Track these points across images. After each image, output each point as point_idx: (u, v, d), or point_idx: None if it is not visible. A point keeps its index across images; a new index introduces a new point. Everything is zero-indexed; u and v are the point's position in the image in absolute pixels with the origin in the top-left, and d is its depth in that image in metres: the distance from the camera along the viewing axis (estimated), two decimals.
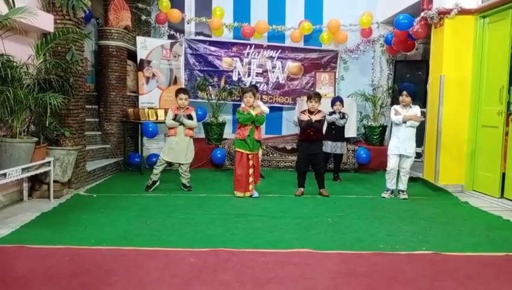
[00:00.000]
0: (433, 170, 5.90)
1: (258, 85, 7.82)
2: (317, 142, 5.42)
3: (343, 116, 6.27)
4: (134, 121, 7.05)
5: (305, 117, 5.32)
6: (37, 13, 4.46)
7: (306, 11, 8.49)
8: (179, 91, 5.67)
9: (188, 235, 3.69)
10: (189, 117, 5.55)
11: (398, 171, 5.37)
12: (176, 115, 5.45)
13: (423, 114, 6.28)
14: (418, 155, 7.18)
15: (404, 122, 5.20)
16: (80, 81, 5.44)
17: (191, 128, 5.60)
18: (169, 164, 5.70)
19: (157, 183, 5.60)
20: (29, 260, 3.06)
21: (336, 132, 6.29)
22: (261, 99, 8.28)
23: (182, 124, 5.48)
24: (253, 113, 5.17)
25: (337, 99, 6.41)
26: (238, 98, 7.67)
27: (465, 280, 2.87)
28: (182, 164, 5.57)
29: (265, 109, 6.07)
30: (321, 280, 2.82)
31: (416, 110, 5.25)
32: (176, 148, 5.50)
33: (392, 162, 5.37)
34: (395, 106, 5.44)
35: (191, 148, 5.64)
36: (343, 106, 6.37)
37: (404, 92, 5.25)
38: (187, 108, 5.60)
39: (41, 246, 3.34)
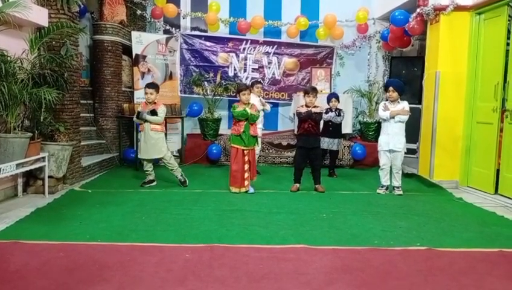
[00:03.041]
0: (428, 166, 5.92)
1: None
2: (315, 136, 5.43)
3: (339, 113, 6.29)
4: (130, 116, 7.01)
5: (304, 109, 5.34)
6: (31, 7, 4.43)
7: (302, 7, 8.47)
8: (146, 86, 5.60)
9: (183, 231, 3.70)
10: (154, 113, 5.40)
11: (391, 167, 5.40)
12: (139, 113, 5.41)
13: (417, 110, 6.32)
14: (413, 151, 7.22)
15: (392, 117, 5.22)
16: (74, 76, 5.41)
17: (157, 123, 5.46)
18: (156, 160, 5.69)
19: (154, 183, 5.60)
20: (24, 256, 3.05)
21: (333, 129, 6.31)
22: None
23: (146, 120, 5.40)
24: (249, 111, 5.16)
25: (332, 96, 6.43)
26: (234, 94, 7.66)
27: (459, 276, 2.89)
28: (160, 158, 5.55)
29: (267, 107, 6.44)
30: (316, 275, 2.83)
31: (404, 105, 5.27)
32: (144, 145, 5.45)
33: (383, 159, 5.40)
34: (383, 102, 5.47)
35: (160, 142, 5.48)
36: (339, 102, 6.39)
37: (390, 88, 5.27)
38: (155, 103, 5.51)
39: (36, 242, 3.34)
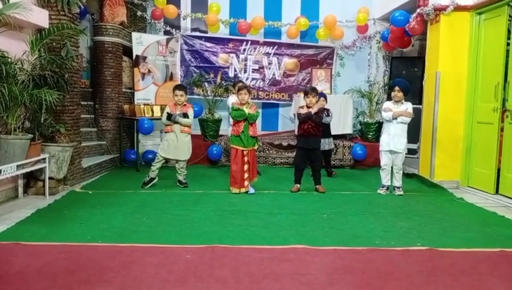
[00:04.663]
0: (429, 166, 5.92)
1: (252, 83, 7.80)
2: (315, 137, 5.43)
3: (328, 113, 6.27)
4: (130, 117, 7.03)
5: (304, 110, 5.34)
6: (32, 9, 4.43)
7: (302, 7, 8.48)
8: (175, 87, 5.64)
9: (184, 232, 3.70)
10: (185, 115, 5.48)
11: (392, 167, 5.40)
12: (170, 115, 5.40)
13: (417, 111, 6.32)
14: (414, 151, 7.22)
15: (395, 118, 5.23)
16: (75, 77, 5.41)
17: (187, 125, 5.55)
18: (166, 160, 5.69)
19: (155, 180, 5.59)
20: (25, 257, 3.05)
21: (323, 129, 6.28)
22: (258, 95, 8.31)
23: (177, 122, 5.45)
24: (247, 110, 5.16)
25: (320, 96, 6.38)
26: (234, 94, 7.65)
27: (460, 276, 2.89)
28: (180, 161, 5.56)
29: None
30: (317, 276, 2.83)
31: (407, 106, 5.27)
32: (173, 145, 5.47)
33: (384, 159, 5.40)
34: (386, 103, 5.48)
35: (188, 144, 5.61)
36: (326, 102, 6.36)
37: (396, 88, 5.27)
38: (184, 105, 5.55)
39: (37, 243, 3.34)
